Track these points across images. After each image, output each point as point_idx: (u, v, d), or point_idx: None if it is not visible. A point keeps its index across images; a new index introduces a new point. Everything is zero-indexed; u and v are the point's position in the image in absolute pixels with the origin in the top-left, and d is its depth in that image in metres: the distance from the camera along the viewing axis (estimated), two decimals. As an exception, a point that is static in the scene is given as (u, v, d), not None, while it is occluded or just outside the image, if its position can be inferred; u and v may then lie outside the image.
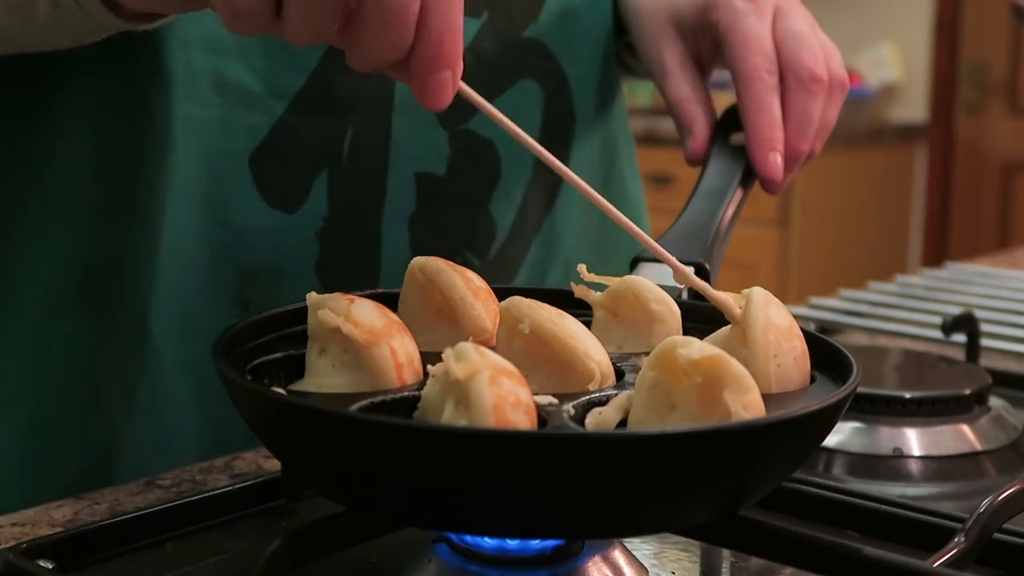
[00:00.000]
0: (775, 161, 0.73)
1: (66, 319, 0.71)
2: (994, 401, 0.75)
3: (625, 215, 0.73)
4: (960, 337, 0.85)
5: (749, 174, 0.75)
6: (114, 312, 0.71)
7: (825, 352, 0.54)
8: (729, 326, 0.53)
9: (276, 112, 0.72)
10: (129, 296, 0.71)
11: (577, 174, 0.77)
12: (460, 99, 0.70)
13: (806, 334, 0.55)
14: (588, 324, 0.55)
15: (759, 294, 0.52)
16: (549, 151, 0.67)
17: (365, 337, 0.49)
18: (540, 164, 0.79)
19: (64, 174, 0.70)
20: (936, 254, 3.60)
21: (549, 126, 0.84)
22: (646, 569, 0.52)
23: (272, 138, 0.72)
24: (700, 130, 0.78)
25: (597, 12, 0.86)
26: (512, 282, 0.83)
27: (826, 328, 0.97)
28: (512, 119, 0.72)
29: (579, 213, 0.88)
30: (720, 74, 0.81)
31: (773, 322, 0.52)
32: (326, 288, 0.73)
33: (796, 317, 0.54)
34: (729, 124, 0.78)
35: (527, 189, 0.83)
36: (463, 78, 0.52)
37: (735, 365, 0.46)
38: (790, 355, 0.52)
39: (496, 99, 0.80)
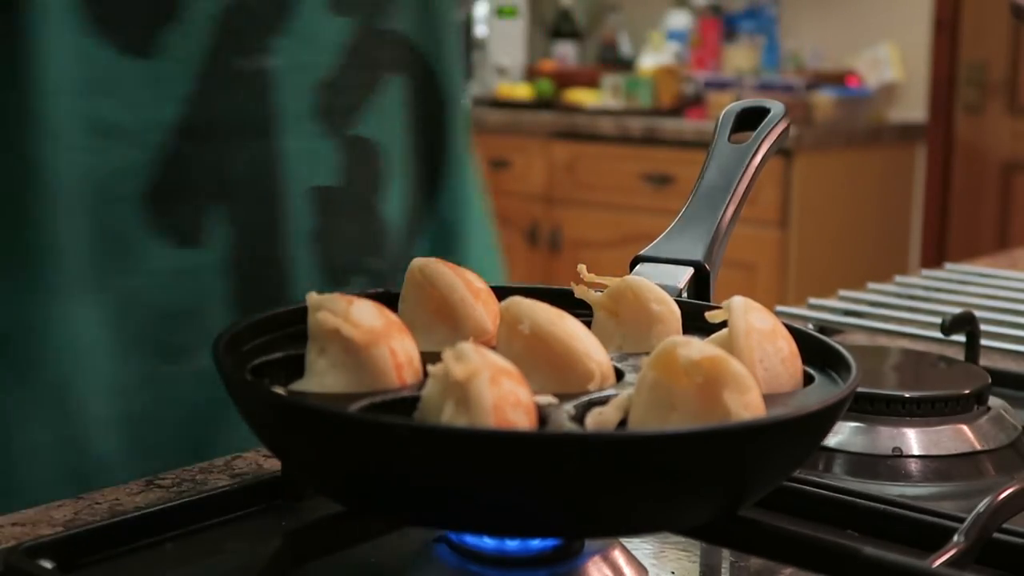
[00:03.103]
0: None
1: None
2: (994, 401, 0.75)
3: (471, 197, 0.81)
4: (960, 337, 0.85)
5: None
6: (28, 377, 0.69)
7: (825, 352, 0.54)
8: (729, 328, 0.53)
9: (159, 146, 0.70)
10: (43, 360, 0.69)
11: (452, 161, 0.84)
12: (342, 101, 0.76)
13: (805, 335, 0.55)
14: (588, 324, 0.55)
15: (738, 302, 0.53)
16: (425, 143, 0.72)
17: (364, 338, 0.49)
18: (414, 157, 0.83)
19: None
20: (936, 254, 3.60)
21: (421, 119, 0.83)
22: (646, 569, 0.52)
23: (160, 173, 0.71)
24: None
25: None
26: None
27: (826, 328, 0.97)
28: (384, 120, 0.78)
29: (473, 202, 0.88)
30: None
31: (755, 327, 0.52)
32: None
33: (795, 317, 0.54)
34: (730, 124, 0.78)
35: (408, 184, 0.83)
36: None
37: (735, 365, 0.46)
38: (776, 357, 0.52)
39: (369, 101, 0.79)
